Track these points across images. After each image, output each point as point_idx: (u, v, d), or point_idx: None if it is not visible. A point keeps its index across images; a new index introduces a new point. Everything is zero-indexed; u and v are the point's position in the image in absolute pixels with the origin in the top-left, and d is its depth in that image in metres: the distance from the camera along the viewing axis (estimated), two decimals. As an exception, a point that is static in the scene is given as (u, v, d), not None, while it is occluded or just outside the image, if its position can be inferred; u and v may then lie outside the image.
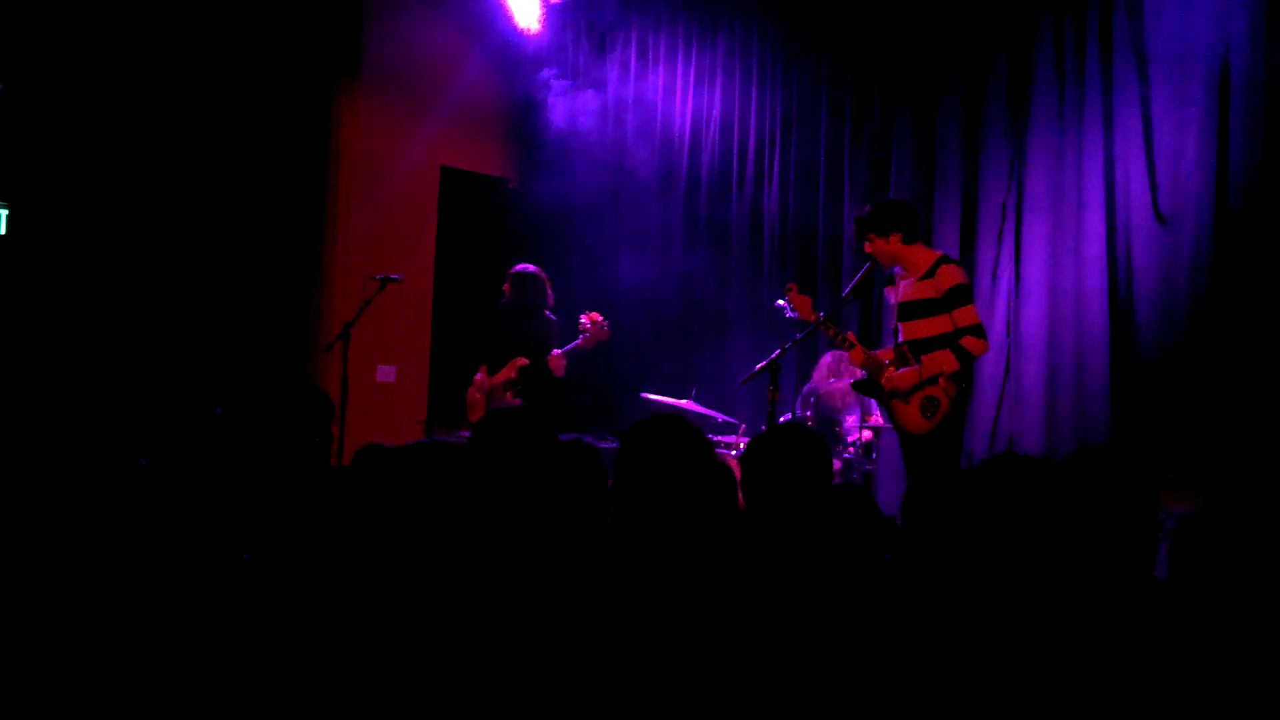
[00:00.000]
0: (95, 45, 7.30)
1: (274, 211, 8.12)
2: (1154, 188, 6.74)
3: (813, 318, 5.82)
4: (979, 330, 5.49)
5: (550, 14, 8.87)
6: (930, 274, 5.55)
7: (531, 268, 7.34)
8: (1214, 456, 6.23)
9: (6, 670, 2.33)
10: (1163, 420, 6.55)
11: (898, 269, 5.75)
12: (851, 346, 5.79)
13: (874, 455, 7.02)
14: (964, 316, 5.48)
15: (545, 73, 9.16)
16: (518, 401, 7.04)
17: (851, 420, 7.14)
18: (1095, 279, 6.90)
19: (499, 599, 2.54)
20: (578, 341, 6.98)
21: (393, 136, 8.65)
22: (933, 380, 5.47)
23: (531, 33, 8.87)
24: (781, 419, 7.55)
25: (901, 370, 5.58)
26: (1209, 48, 6.53)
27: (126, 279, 7.45)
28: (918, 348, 5.56)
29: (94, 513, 2.70)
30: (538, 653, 2.45)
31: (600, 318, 6.96)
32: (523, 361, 7.05)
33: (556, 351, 6.98)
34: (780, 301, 6.02)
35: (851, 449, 6.98)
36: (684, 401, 7.49)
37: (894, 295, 5.80)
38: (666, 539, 2.79)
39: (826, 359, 7.36)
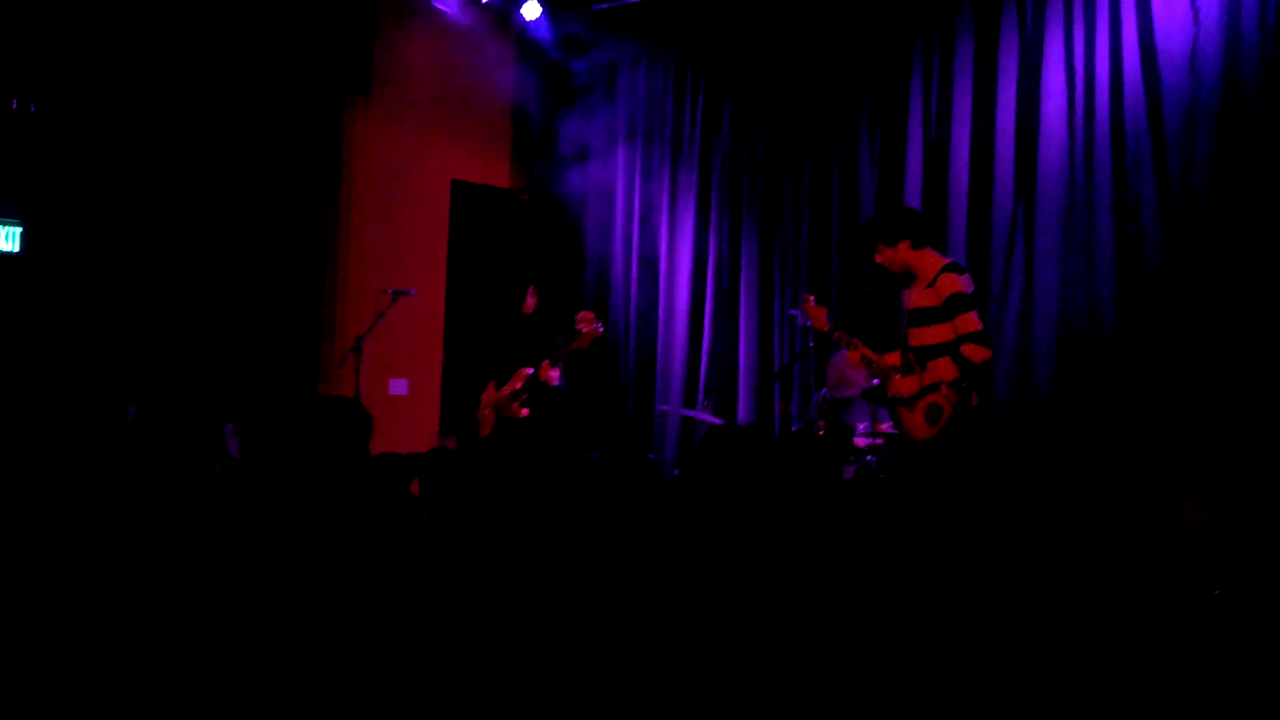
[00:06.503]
0: (112, 67, 7.37)
1: (287, 228, 8.18)
2: (1164, 195, 6.74)
3: (827, 328, 5.85)
4: (979, 337, 5.49)
5: (560, 30, 8.98)
6: (933, 283, 5.57)
7: (531, 280, 7.45)
8: (1224, 460, 6.22)
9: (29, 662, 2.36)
10: (1175, 425, 6.54)
11: (907, 275, 5.77)
12: (855, 348, 5.82)
13: (885, 462, 7.02)
14: (965, 324, 5.48)
15: (555, 86, 9.23)
16: (525, 412, 7.08)
17: (863, 427, 7.15)
18: (1105, 285, 6.89)
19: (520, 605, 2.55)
20: (573, 344, 7.04)
21: (404, 151, 8.70)
22: (934, 388, 5.50)
23: (542, 46, 8.97)
24: (794, 427, 7.58)
25: (906, 378, 5.62)
26: (1219, 53, 6.54)
27: (141, 294, 7.50)
28: (924, 355, 5.59)
29: (103, 520, 2.72)
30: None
31: (591, 315, 7.02)
32: (528, 371, 7.08)
33: (545, 362, 7.02)
34: (793, 310, 6.05)
35: (866, 457, 6.98)
36: (696, 411, 7.50)
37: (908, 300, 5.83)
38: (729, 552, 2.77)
39: (841, 356, 7.35)
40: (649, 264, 9.01)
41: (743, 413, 8.30)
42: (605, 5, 9.04)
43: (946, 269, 5.57)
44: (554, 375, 7.03)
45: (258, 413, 7.37)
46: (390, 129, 8.62)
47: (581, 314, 7.03)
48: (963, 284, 5.54)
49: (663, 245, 8.96)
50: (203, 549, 2.74)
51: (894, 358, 5.79)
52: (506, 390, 7.14)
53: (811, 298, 6.01)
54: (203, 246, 7.77)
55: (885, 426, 7.01)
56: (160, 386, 7.35)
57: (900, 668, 2.36)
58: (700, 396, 8.53)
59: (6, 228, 7.15)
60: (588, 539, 3.06)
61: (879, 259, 5.75)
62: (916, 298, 5.66)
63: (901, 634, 2.41)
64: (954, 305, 5.48)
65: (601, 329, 7.07)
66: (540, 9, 8.88)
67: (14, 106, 7.07)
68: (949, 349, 5.49)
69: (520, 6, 8.84)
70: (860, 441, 7.03)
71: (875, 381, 5.89)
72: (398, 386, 8.60)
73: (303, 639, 2.48)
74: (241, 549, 2.78)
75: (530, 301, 7.33)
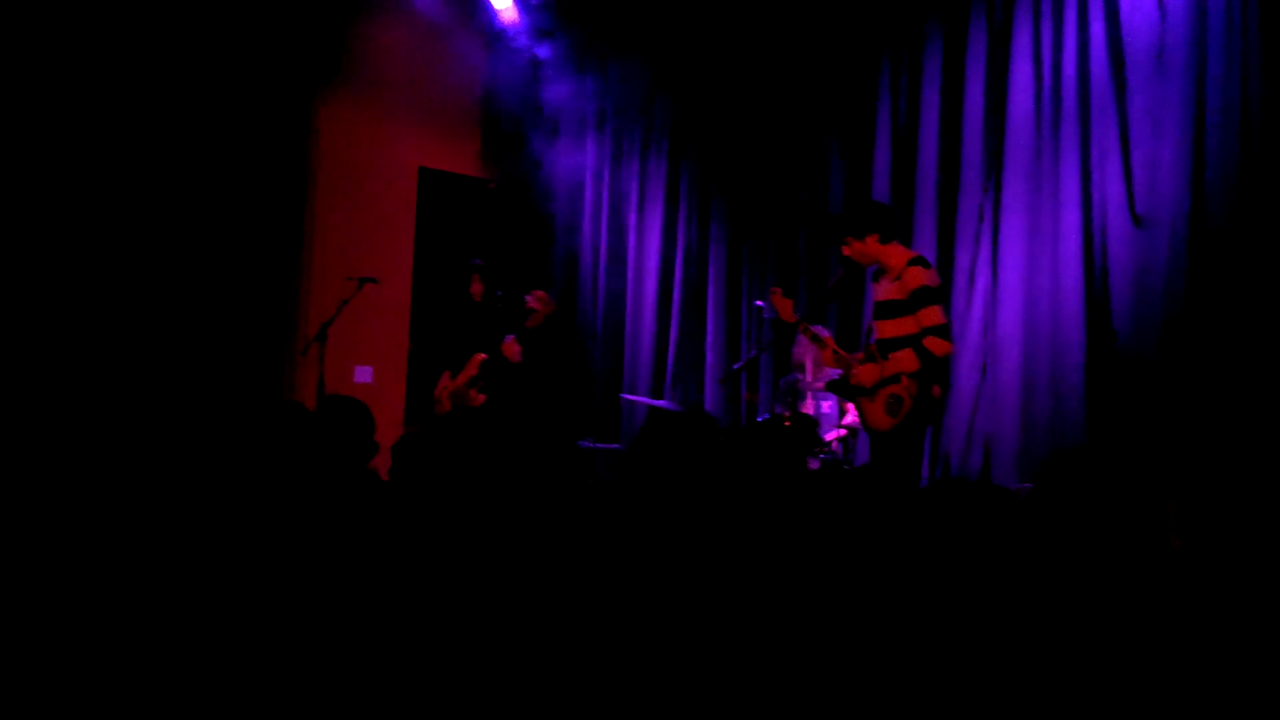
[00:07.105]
0: (76, 50, 7.27)
1: (254, 216, 8.10)
2: (1130, 189, 6.77)
3: (793, 319, 5.87)
4: (942, 331, 5.51)
5: (528, 18, 8.93)
6: (899, 276, 5.59)
7: (476, 260, 7.39)
8: (1190, 455, 6.26)
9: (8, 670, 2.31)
10: (1139, 420, 6.58)
11: (876, 268, 5.79)
12: (825, 346, 5.86)
13: (849, 455, 7.05)
14: (928, 317, 5.50)
15: (524, 75, 9.19)
16: (483, 398, 7.03)
17: (828, 406, 7.19)
18: (1071, 280, 6.92)
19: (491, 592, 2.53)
20: (526, 322, 7.00)
21: (371, 139, 8.65)
22: (895, 379, 5.52)
23: (511, 33, 8.92)
24: (760, 418, 7.58)
25: (866, 366, 5.65)
26: (1185, 49, 6.57)
27: (106, 281, 7.41)
28: (886, 347, 5.61)
29: (83, 518, 2.68)
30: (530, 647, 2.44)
31: (544, 294, 6.98)
32: (482, 356, 7.02)
33: (509, 338, 6.96)
34: (759, 302, 6.05)
35: (829, 448, 7.00)
36: (662, 402, 7.50)
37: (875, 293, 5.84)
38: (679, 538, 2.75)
39: (804, 344, 7.35)
40: (617, 254, 9.01)
41: (709, 403, 8.30)
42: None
43: (913, 262, 5.59)
44: (516, 352, 6.96)
45: (244, 413, 7.29)
46: (359, 116, 8.58)
47: (534, 292, 6.98)
48: (928, 278, 5.56)
49: (631, 236, 8.97)
50: (189, 548, 2.69)
51: (860, 356, 5.82)
52: (462, 378, 7.08)
53: (779, 289, 6.02)
54: (170, 233, 7.68)
55: (850, 418, 7.05)
56: (128, 376, 7.27)
57: (851, 663, 2.35)
58: (667, 387, 8.53)
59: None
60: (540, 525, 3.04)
61: (847, 252, 5.76)
62: (883, 290, 5.68)
63: (853, 629, 2.40)
64: (919, 298, 5.50)
65: (554, 306, 7.03)
66: (510, -3, 8.83)
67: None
68: (912, 341, 5.51)
69: (490, -6, 8.80)
70: (827, 435, 7.05)
71: (838, 372, 5.92)
72: (362, 374, 8.55)
73: (290, 635, 2.45)
74: (233, 549, 2.74)
75: (476, 287, 7.27)
